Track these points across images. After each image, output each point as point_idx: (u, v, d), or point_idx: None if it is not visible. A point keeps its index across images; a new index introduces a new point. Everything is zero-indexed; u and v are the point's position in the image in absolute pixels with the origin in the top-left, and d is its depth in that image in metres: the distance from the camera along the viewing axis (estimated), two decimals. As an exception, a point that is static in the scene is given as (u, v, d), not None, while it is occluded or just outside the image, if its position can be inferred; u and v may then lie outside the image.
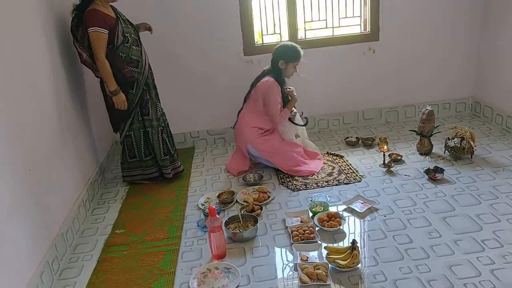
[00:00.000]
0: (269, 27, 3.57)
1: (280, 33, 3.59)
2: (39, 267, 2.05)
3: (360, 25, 3.65)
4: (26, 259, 1.98)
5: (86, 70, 2.97)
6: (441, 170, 2.81)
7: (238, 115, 3.20)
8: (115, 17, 2.74)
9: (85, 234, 2.59)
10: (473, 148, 2.97)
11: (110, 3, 2.75)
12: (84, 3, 2.68)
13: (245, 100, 3.19)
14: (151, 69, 3.00)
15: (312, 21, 3.59)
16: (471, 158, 3.02)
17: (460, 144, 3.00)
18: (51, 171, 2.36)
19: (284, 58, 2.99)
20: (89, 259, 2.34)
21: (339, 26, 3.63)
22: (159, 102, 3.06)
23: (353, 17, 3.62)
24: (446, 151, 3.11)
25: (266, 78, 3.04)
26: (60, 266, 2.27)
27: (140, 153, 3.03)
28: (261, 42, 3.60)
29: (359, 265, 2.03)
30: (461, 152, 3.00)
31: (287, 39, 3.56)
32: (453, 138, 3.06)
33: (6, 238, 1.83)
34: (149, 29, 3.02)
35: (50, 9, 2.63)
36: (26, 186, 2.05)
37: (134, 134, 2.99)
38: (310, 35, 3.63)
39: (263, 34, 3.59)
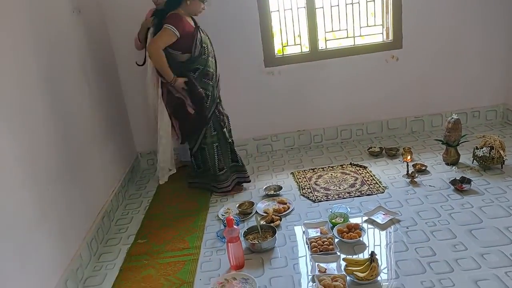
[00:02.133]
0: (289, 39, 3.59)
1: (300, 44, 3.60)
2: (64, 274, 2.12)
3: (382, 33, 3.61)
4: (51, 267, 2.04)
5: (109, 81, 3.08)
6: (468, 181, 2.71)
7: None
8: (194, 26, 2.84)
9: (109, 243, 2.66)
10: (503, 158, 2.85)
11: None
12: (169, 7, 2.78)
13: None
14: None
15: (332, 31, 3.58)
16: (502, 168, 2.89)
17: (489, 153, 2.88)
18: (77, 183, 2.45)
19: None
20: (112, 267, 2.40)
21: (361, 35, 3.60)
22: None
23: (375, 25, 3.59)
24: (475, 161, 3.00)
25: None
26: (85, 274, 2.33)
27: (215, 167, 3.03)
28: (282, 54, 3.62)
29: (379, 278, 1.98)
30: (490, 162, 2.88)
31: (308, 50, 3.57)
32: (482, 148, 2.95)
33: (32, 246, 1.90)
34: None
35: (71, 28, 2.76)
36: (52, 196, 2.13)
37: (208, 148, 3.01)
38: (332, 45, 3.62)
39: (284, 46, 3.61)
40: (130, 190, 3.35)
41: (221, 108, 3.04)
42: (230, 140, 3.06)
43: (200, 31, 2.86)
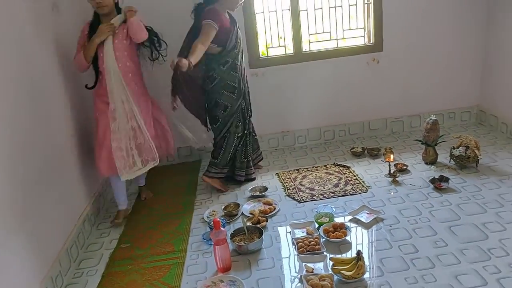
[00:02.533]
0: (274, 40, 3.61)
1: (285, 46, 3.63)
2: (42, 283, 2.06)
3: (364, 36, 3.68)
4: (29, 275, 1.99)
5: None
6: (446, 179, 2.80)
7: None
8: (230, 20, 2.89)
9: (90, 248, 2.61)
10: (478, 157, 2.96)
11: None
12: (206, 3, 2.85)
13: None
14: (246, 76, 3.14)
15: (316, 33, 3.62)
16: (477, 166, 3.00)
17: (465, 153, 2.98)
18: (56, 185, 2.39)
19: None
20: (94, 274, 2.35)
21: (344, 38, 3.66)
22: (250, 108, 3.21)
23: (356, 29, 3.65)
24: (451, 160, 3.09)
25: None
26: (64, 281, 2.28)
27: (228, 156, 3.08)
28: (267, 55, 3.64)
29: (365, 276, 2.02)
30: (466, 161, 2.98)
31: (292, 52, 3.60)
32: (458, 147, 3.05)
33: (8, 253, 1.85)
34: None
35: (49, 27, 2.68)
36: (30, 201, 2.08)
37: (229, 137, 3.05)
38: (315, 47, 3.67)
39: (268, 47, 3.63)
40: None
41: (243, 101, 3.08)
42: (240, 133, 3.08)
43: (237, 26, 2.94)
